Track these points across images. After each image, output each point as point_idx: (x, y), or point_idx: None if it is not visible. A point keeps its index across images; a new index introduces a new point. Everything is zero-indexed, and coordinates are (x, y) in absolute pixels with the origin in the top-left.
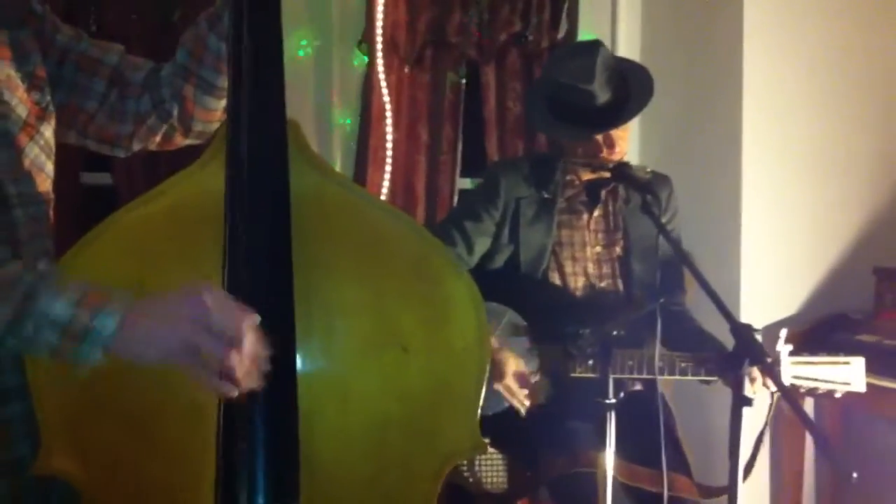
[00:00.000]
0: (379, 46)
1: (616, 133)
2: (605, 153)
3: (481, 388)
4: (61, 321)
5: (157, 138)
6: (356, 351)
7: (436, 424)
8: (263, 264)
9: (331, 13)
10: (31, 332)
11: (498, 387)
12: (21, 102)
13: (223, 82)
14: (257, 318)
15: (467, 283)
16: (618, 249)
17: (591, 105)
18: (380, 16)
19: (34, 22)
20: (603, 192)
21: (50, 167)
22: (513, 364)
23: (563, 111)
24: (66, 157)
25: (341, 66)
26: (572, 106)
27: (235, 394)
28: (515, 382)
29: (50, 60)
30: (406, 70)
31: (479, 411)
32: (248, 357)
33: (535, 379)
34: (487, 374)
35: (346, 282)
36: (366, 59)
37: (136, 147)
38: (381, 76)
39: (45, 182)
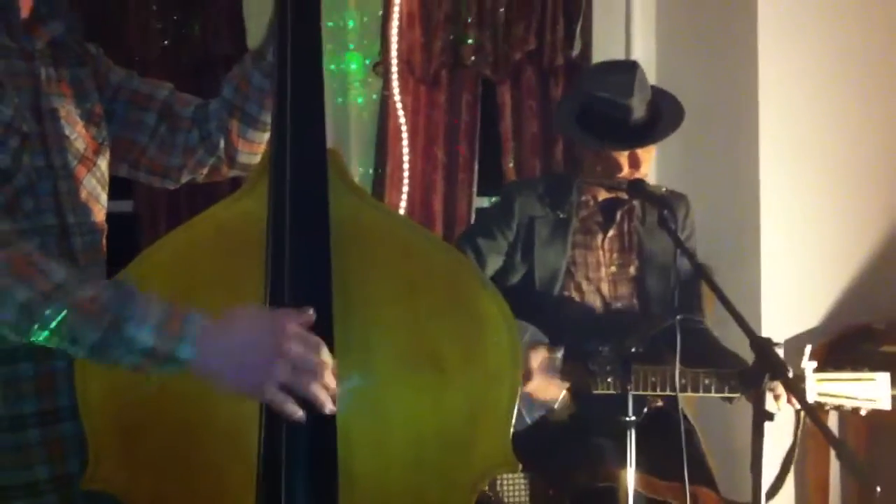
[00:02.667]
0: (394, 68)
1: (642, 154)
2: (628, 172)
3: (514, 404)
4: (145, 348)
5: (205, 170)
6: (393, 369)
7: (471, 441)
8: (304, 286)
9: (347, 36)
10: (116, 355)
11: (527, 389)
12: (80, 137)
13: (266, 116)
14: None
15: (499, 301)
16: (633, 269)
17: (626, 120)
18: (395, 38)
19: (91, 62)
20: (618, 212)
21: (104, 198)
22: (536, 357)
23: (596, 124)
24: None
25: (359, 88)
26: (606, 120)
27: (304, 417)
28: (544, 378)
29: (105, 97)
30: (422, 91)
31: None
32: (329, 384)
33: (558, 362)
34: (519, 394)
35: (382, 302)
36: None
37: (185, 178)
38: (397, 97)
39: (100, 212)
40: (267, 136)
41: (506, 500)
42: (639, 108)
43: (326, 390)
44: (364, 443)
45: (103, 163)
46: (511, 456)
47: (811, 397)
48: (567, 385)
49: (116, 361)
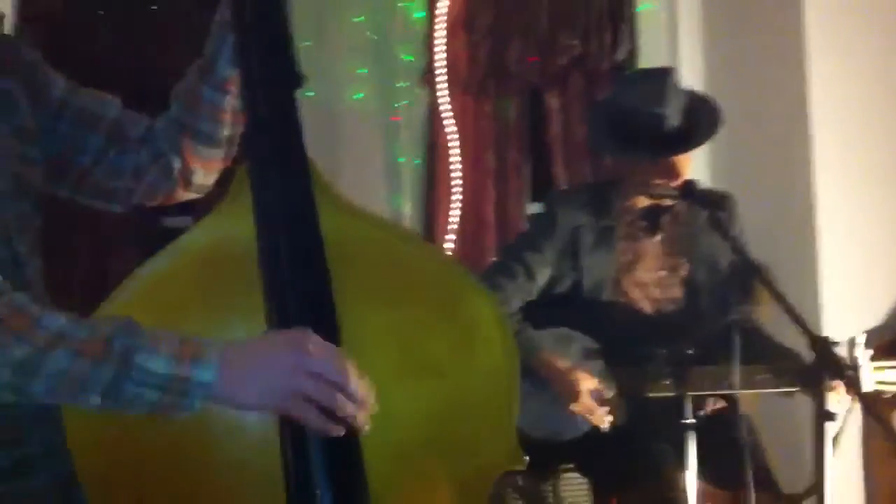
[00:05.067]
0: (441, 78)
1: (680, 160)
2: (666, 180)
3: (515, 400)
4: (162, 378)
5: (159, 193)
6: (392, 380)
7: (476, 442)
8: (307, 305)
9: (393, 47)
10: (132, 392)
11: (574, 408)
12: (13, 157)
13: (222, 132)
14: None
15: (489, 301)
16: (682, 272)
17: (660, 129)
18: (440, 48)
19: (24, 71)
20: (663, 217)
21: (38, 223)
22: (585, 383)
23: (630, 135)
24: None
25: (406, 98)
26: (640, 130)
27: (342, 431)
28: (591, 400)
29: (44, 113)
30: (469, 99)
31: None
32: (355, 397)
33: (609, 394)
34: (518, 388)
35: (376, 313)
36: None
37: (135, 202)
38: (445, 107)
39: (36, 238)
40: (222, 152)
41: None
42: (673, 115)
43: (354, 402)
44: (370, 454)
45: (37, 184)
46: (517, 450)
47: (869, 385)
48: (613, 416)
49: (132, 401)
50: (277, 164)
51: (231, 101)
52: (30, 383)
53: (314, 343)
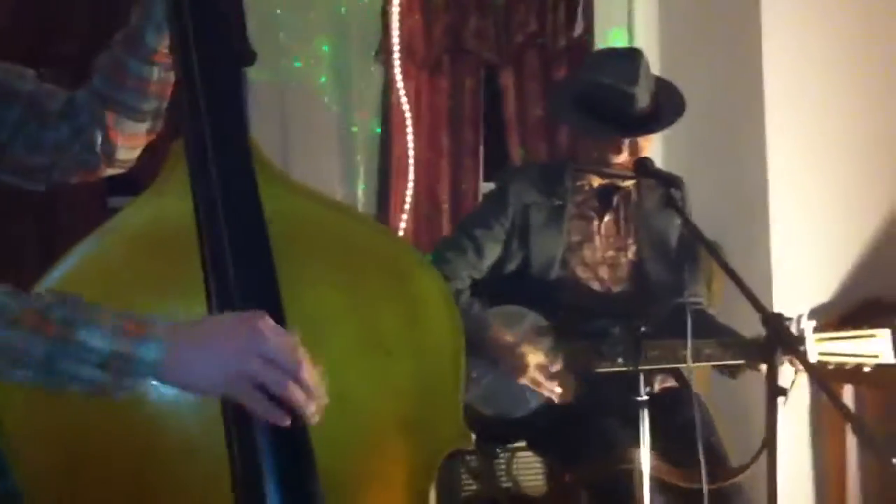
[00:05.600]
0: (396, 55)
1: (643, 142)
2: (627, 160)
3: (461, 378)
4: (102, 355)
5: (80, 169)
6: (342, 359)
7: (425, 420)
8: (248, 285)
9: (348, 24)
10: (69, 369)
11: (523, 380)
12: None
13: (148, 105)
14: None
15: (436, 277)
16: (630, 254)
17: (630, 108)
18: (395, 24)
19: None
20: (615, 198)
21: None
22: (533, 357)
23: (597, 112)
24: (93, 181)
25: (361, 76)
26: (609, 108)
27: (288, 422)
28: (540, 374)
29: None
30: (424, 77)
31: (465, 401)
32: (307, 386)
33: (556, 367)
34: (464, 365)
35: (322, 291)
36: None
37: (57, 178)
38: (400, 84)
39: None
40: (147, 126)
41: (522, 484)
42: (643, 96)
43: (305, 392)
44: (320, 434)
45: None
46: (464, 428)
47: (812, 357)
48: (562, 389)
49: (71, 379)
50: (219, 143)
51: (158, 74)
52: None
53: (269, 327)
